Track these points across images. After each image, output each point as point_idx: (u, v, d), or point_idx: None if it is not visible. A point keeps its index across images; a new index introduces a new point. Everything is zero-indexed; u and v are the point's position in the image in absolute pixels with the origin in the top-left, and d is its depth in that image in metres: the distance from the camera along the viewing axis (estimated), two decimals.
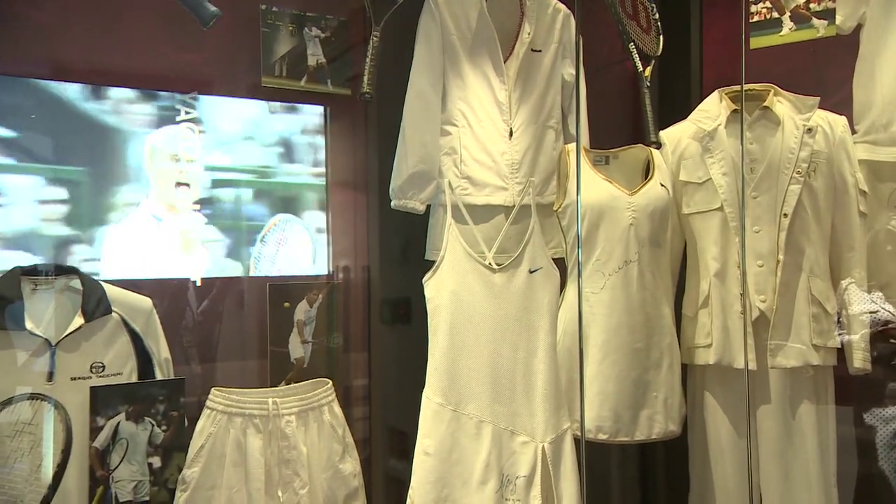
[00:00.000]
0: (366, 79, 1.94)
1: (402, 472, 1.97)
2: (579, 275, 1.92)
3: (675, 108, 2.24)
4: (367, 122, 2.19)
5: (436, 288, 1.90)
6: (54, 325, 1.74)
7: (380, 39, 1.97)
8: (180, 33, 1.92)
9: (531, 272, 1.95)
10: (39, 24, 1.87)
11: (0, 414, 1.63)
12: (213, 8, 1.68)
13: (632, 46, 2.14)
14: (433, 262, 1.94)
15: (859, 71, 2.02)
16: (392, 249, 2.18)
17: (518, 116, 2.08)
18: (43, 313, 1.74)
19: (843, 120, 2.00)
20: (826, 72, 2.16)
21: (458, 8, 2.04)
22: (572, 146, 2.07)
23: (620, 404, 1.95)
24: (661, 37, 2.22)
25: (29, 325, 1.70)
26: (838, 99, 2.04)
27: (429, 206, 2.03)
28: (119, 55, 1.94)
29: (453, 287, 1.91)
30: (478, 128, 2.05)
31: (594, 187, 1.99)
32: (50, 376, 1.70)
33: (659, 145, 2.11)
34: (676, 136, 2.11)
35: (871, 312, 2.02)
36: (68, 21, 1.90)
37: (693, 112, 2.10)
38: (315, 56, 2.07)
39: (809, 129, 1.96)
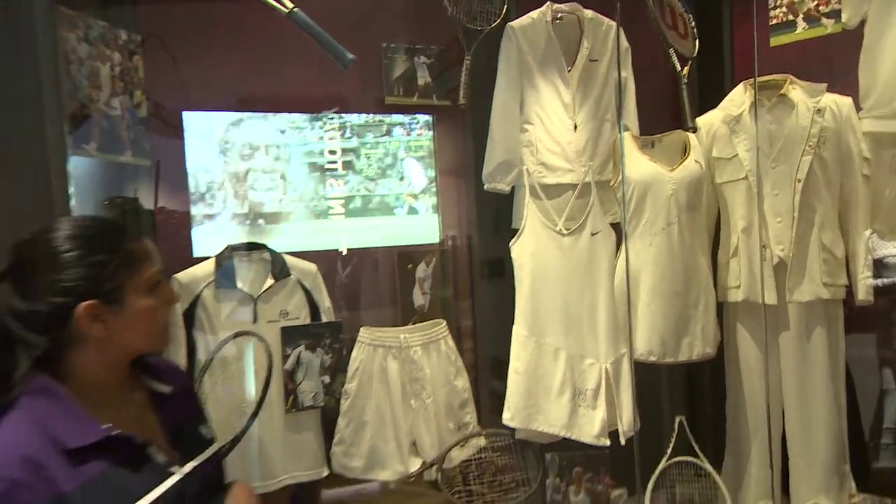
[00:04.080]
0: (462, 92, 2.22)
1: (499, 388, 2.29)
2: (626, 237, 2.19)
3: (711, 98, 2.43)
4: (465, 125, 2.50)
5: (519, 249, 2.23)
6: (255, 285, 2.15)
7: (471, 61, 2.26)
8: (324, 69, 2.30)
9: (593, 234, 2.23)
10: (225, 66, 2.29)
11: (225, 347, 2.08)
12: (350, 55, 2.08)
13: (671, 51, 2.37)
14: (517, 229, 2.25)
15: (863, 59, 2.12)
16: (487, 222, 2.49)
17: (581, 114, 2.31)
18: (247, 276, 2.15)
19: (848, 100, 2.16)
20: (835, 62, 2.33)
21: (531, 33, 2.31)
22: (624, 134, 2.33)
23: (666, 334, 2.19)
24: (697, 41, 2.44)
25: (239, 284, 2.12)
26: (846, 84, 2.19)
27: (513, 187, 2.32)
28: (282, 87, 2.37)
29: (532, 248, 2.22)
30: (549, 124, 2.30)
31: (641, 167, 2.23)
32: (254, 319, 2.14)
33: (695, 130, 2.28)
34: (710, 121, 2.32)
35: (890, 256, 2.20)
36: (247, 63, 2.31)
37: (723, 101, 2.33)
38: (423, 77, 2.44)
39: (819, 110, 2.15)
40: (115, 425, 1.02)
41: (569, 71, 2.33)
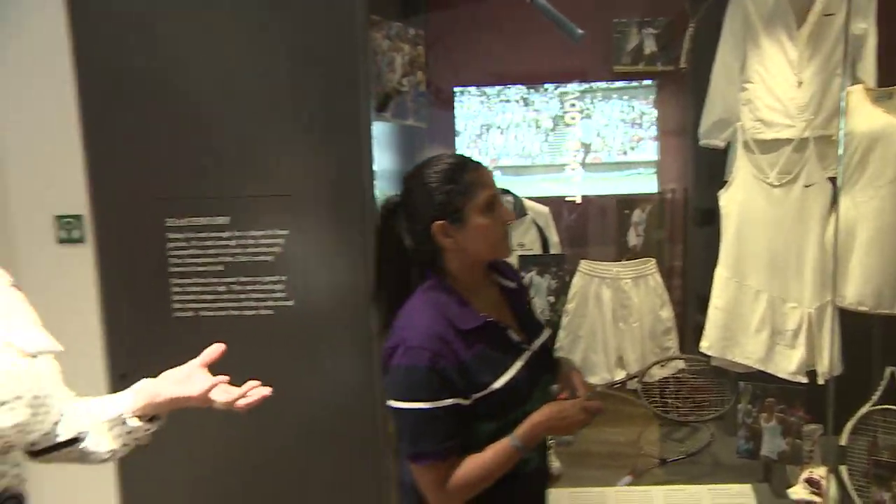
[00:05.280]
0: (683, 57, 2.41)
1: (702, 321, 2.41)
2: (839, 191, 2.14)
3: None
4: (685, 88, 2.67)
5: (727, 199, 2.35)
6: None
7: (695, 28, 2.43)
8: (561, 46, 2.62)
9: (806, 187, 2.24)
10: (483, 51, 2.80)
11: None
12: (580, 31, 2.41)
13: None
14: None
15: None
16: (703, 175, 2.63)
17: (808, 69, 2.27)
18: None
19: None
20: None
21: None
22: (854, 88, 2.21)
23: (883, 285, 2.11)
24: None
25: None
26: None
27: (728, 143, 2.41)
28: (527, 63, 2.81)
29: (741, 198, 2.32)
30: (771, 82, 2.29)
31: (871, 120, 2.13)
32: None
33: None
34: None
35: None
36: (499, 47, 2.79)
37: None
38: (650, 46, 2.65)
39: None
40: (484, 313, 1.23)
41: (799, 28, 2.30)
